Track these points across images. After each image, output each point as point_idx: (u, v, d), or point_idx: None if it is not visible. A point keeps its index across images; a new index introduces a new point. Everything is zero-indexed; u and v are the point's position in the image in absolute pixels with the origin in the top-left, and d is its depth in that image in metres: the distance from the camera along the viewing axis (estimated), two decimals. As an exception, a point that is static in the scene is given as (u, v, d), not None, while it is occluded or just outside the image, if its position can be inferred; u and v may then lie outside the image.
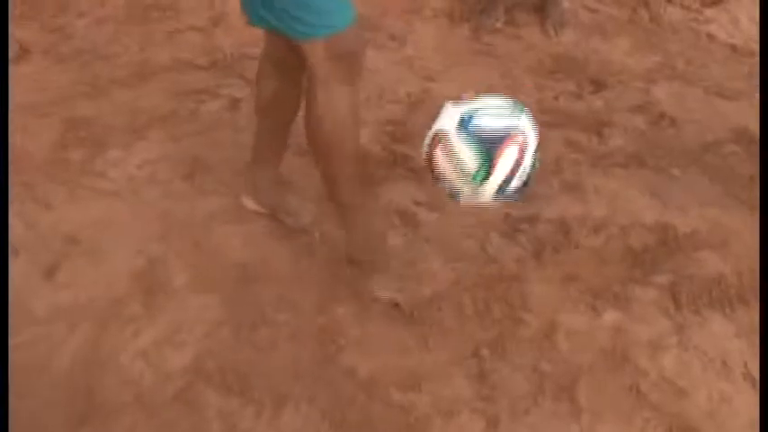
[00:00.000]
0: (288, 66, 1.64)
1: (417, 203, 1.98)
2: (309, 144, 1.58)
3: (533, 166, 1.46)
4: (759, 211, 1.81)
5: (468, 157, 1.39)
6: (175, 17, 2.67)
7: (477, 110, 1.42)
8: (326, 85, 1.45)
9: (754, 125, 2.38)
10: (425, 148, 1.46)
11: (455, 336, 1.67)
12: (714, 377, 1.62)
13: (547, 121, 2.34)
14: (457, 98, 2.37)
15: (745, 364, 1.65)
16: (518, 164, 1.41)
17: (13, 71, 2.34)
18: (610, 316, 1.74)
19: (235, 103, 2.30)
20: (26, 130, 2.12)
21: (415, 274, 1.79)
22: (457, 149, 1.39)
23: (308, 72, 1.47)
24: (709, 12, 3.00)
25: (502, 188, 1.44)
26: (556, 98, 2.48)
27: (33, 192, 1.92)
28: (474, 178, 1.40)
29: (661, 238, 1.95)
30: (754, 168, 2.21)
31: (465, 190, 1.43)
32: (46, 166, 2.01)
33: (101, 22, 2.64)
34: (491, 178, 1.41)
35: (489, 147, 1.39)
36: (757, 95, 2.51)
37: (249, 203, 1.91)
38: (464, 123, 1.40)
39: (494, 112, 1.43)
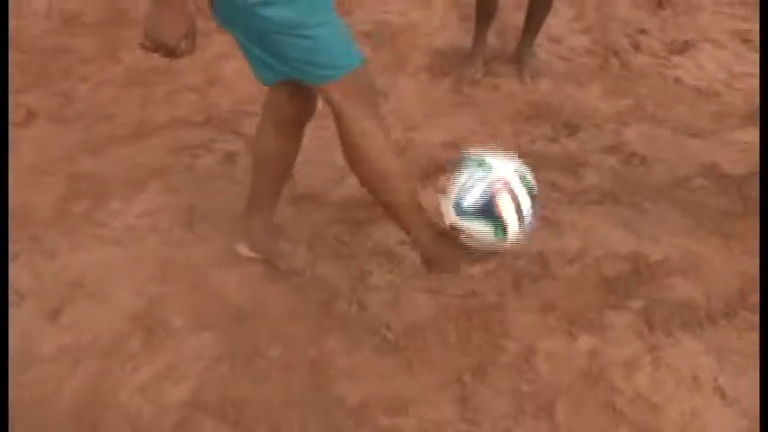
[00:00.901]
0: (287, 122, 1.78)
1: (401, 243, 2.09)
2: (357, 171, 1.67)
3: (530, 189, 1.63)
4: (759, 212, 1.92)
5: (482, 229, 1.61)
6: (172, 79, 2.85)
7: (460, 194, 1.61)
8: (355, 119, 1.57)
9: (722, 160, 2.54)
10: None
11: (439, 363, 1.77)
12: (686, 393, 1.71)
13: (528, 162, 2.49)
14: (438, 145, 2.54)
15: (715, 380, 1.74)
16: (517, 201, 1.60)
17: (20, 134, 2.51)
18: (585, 340, 1.84)
19: (229, 157, 2.44)
20: (33, 186, 2.27)
21: (400, 306, 1.90)
22: (471, 230, 1.62)
23: (335, 111, 1.58)
24: (675, 58, 3.20)
25: (522, 224, 1.62)
26: (533, 142, 2.63)
27: (39, 244, 2.04)
28: (499, 237, 1.60)
29: (634, 267, 2.07)
30: (722, 201, 2.36)
31: (502, 246, 1.65)
32: (51, 219, 2.14)
33: (101, 85, 2.82)
34: (509, 228, 1.60)
35: (489, 211, 1.58)
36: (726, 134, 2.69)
37: (244, 251, 2.03)
38: (460, 210, 1.61)
39: (472, 185, 1.61)
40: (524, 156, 2.47)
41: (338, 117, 1.59)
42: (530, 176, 1.66)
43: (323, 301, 1.92)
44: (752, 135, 2.62)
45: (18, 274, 1.93)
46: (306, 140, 1.89)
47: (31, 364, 1.71)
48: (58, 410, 1.62)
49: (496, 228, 1.60)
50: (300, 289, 1.96)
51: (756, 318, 1.90)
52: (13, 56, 2.95)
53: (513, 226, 1.60)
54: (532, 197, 1.63)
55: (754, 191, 2.34)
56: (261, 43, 1.52)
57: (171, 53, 1.47)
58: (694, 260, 2.10)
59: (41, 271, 1.96)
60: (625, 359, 1.79)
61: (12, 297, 1.88)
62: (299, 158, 1.96)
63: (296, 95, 1.72)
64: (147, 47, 1.48)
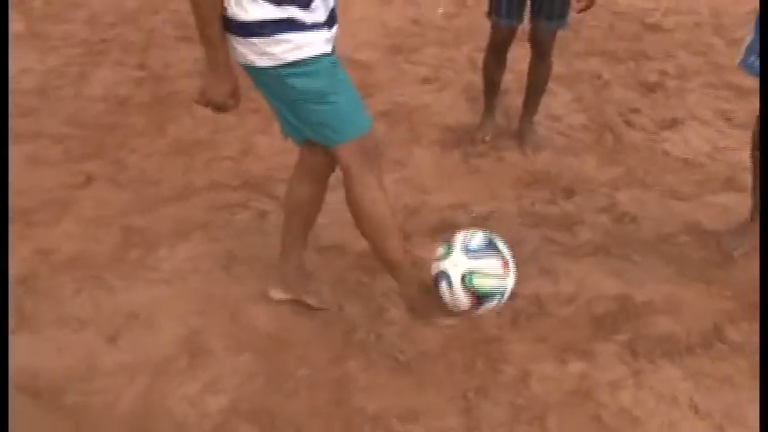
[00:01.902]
0: (318, 171, 2.14)
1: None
2: (358, 224, 2.01)
3: (497, 293, 2.02)
4: (759, 214, 2.17)
5: (479, 240, 2.03)
6: (212, 150, 3.25)
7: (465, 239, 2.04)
8: (360, 175, 1.91)
9: (704, 219, 2.84)
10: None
11: (446, 382, 2.04)
12: (665, 408, 1.96)
13: (526, 222, 2.83)
14: (447, 207, 2.86)
15: (691, 399, 1.99)
16: (494, 275, 2.00)
17: (80, 193, 2.89)
18: (576, 366, 2.10)
19: (263, 215, 2.79)
20: (92, 237, 2.62)
21: (412, 336, 2.18)
22: (476, 235, 2.05)
23: (343, 168, 1.93)
24: (664, 133, 3.56)
25: (473, 274, 1.97)
26: (533, 204, 2.96)
27: (99, 282, 2.37)
28: (468, 251, 2.01)
29: (621, 306, 2.35)
30: (703, 253, 2.65)
31: (455, 253, 2.01)
32: (109, 263, 2.47)
33: (150, 155, 3.22)
34: (475, 261, 2.00)
35: (492, 247, 2.03)
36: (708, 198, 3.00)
37: (277, 294, 2.33)
38: (491, 233, 2.07)
39: (508, 248, 2.08)
40: (525, 215, 2.85)
41: (346, 174, 1.94)
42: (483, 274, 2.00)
43: (344, 332, 2.21)
44: (731, 199, 2.93)
45: (81, 306, 2.25)
46: (329, 204, 2.23)
47: (94, 377, 2.00)
48: (117, 415, 1.90)
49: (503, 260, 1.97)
50: (325, 322, 2.25)
51: (728, 347, 2.15)
52: (74, 131, 3.40)
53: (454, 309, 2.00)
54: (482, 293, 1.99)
55: (731, 246, 2.63)
56: (288, 107, 1.90)
57: (220, 108, 1.85)
58: (676, 302, 2.37)
59: (101, 303, 2.27)
60: (611, 381, 2.04)
61: (72, 324, 2.19)
62: (325, 219, 2.31)
63: (322, 150, 2.07)
64: (201, 103, 1.87)
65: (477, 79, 3.61)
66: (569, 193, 3.03)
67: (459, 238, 2.03)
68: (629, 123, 3.69)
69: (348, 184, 1.94)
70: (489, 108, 3.52)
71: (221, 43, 1.79)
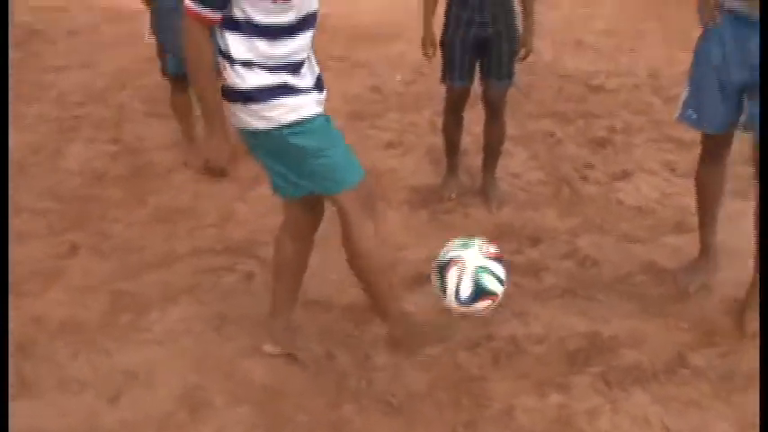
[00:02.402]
0: (301, 229, 2.32)
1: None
2: (355, 266, 2.18)
3: (477, 281, 2.14)
4: (759, 213, 2.38)
5: (467, 288, 2.17)
6: (193, 218, 3.40)
7: (491, 262, 2.23)
8: (358, 221, 2.09)
9: (659, 259, 3.09)
10: (447, 256, 2.25)
11: (436, 420, 2.19)
12: (638, 429, 2.13)
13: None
14: (424, 260, 3.04)
15: (662, 420, 2.18)
16: (485, 308, 2.17)
17: (66, 263, 3.00)
18: (555, 397, 2.28)
19: (249, 276, 2.93)
20: (81, 304, 2.72)
21: (401, 380, 2.33)
22: (465, 281, 2.18)
23: (342, 215, 2.10)
24: (617, 184, 3.86)
25: (457, 296, 2.11)
26: (507, 258, 3.16)
27: (94, 345, 2.47)
28: (460, 300, 2.18)
29: (590, 342, 2.55)
30: (660, 290, 2.88)
31: (449, 299, 2.20)
32: (101, 328, 2.58)
33: (132, 225, 3.35)
34: (468, 307, 2.18)
35: (482, 293, 2.17)
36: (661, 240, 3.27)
37: (269, 348, 2.46)
38: (480, 269, 2.19)
39: (498, 270, 2.23)
40: (494, 264, 3.04)
41: (344, 219, 2.12)
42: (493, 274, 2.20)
43: (337, 380, 2.35)
44: (681, 240, 3.19)
45: (79, 369, 2.34)
46: (311, 261, 2.41)
47: (98, 434, 2.09)
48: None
49: (439, 286, 2.20)
50: (317, 372, 2.39)
51: (690, 372, 2.37)
52: (54, 205, 3.52)
53: (450, 292, 2.17)
54: (475, 287, 2.17)
55: (685, 282, 2.88)
56: (288, 165, 2.09)
57: (221, 173, 2.03)
58: (639, 335, 2.59)
59: (99, 365, 2.37)
60: (588, 409, 2.23)
61: (72, 386, 2.28)
62: (307, 274, 2.47)
63: (308, 208, 2.26)
64: (202, 170, 2.04)
65: (439, 141, 3.88)
66: (534, 242, 3.26)
67: (478, 240, 2.26)
68: (583, 177, 3.98)
69: (347, 230, 2.12)
70: (452, 168, 3.78)
71: (219, 111, 1.99)
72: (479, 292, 2.18)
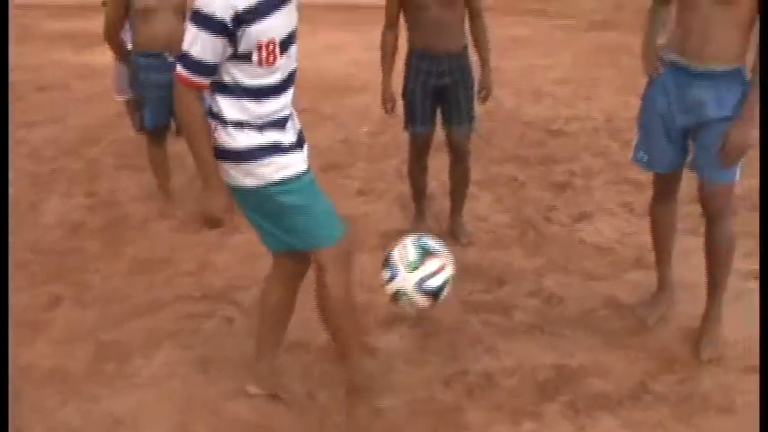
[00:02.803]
0: (291, 278, 2.45)
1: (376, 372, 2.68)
2: (325, 315, 2.32)
3: (446, 282, 2.38)
4: (759, 213, 2.52)
5: (413, 253, 2.36)
6: (171, 267, 3.51)
7: (426, 236, 2.47)
8: (333, 274, 2.24)
9: (619, 294, 3.29)
10: (387, 250, 2.40)
11: (417, 450, 2.31)
12: (607, 452, 2.29)
13: (466, 309, 3.19)
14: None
15: (630, 442, 2.33)
16: (438, 271, 2.37)
17: (49, 315, 3.08)
18: (527, 425, 2.43)
19: (228, 321, 3.05)
20: (66, 354, 2.80)
21: (381, 413, 2.46)
22: (408, 248, 2.39)
23: (318, 268, 2.25)
24: (578, 225, 4.08)
25: (423, 281, 2.34)
26: (470, 294, 3.34)
27: (82, 393, 2.55)
28: (409, 265, 2.34)
29: (558, 373, 2.71)
30: (623, 323, 3.07)
31: (401, 272, 2.36)
32: (88, 376, 2.66)
33: (111, 276, 3.45)
34: (419, 270, 2.36)
35: (426, 252, 2.36)
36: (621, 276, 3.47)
37: (253, 389, 2.58)
38: (418, 239, 2.42)
39: (436, 241, 2.44)
40: (464, 304, 3.22)
41: (319, 272, 2.27)
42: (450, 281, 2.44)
43: (320, 417, 2.46)
44: (640, 276, 3.40)
45: (68, 416, 2.42)
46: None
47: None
48: None
49: (416, 260, 2.39)
50: (300, 410, 2.50)
51: (653, 398, 2.54)
52: (34, 257, 3.60)
53: (422, 272, 2.39)
54: (441, 286, 2.41)
55: (644, 315, 3.07)
56: (273, 220, 2.24)
57: (217, 223, 2.18)
58: (604, 365, 2.76)
59: (88, 412, 2.45)
60: (559, 435, 2.37)
61: (64, 434, 2.36)
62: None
63: (296, 258, 2.40)
64: (200, 222, 2.18)
65: (407, 188, 4.08)
66: (501, 282, 3.44)
67: (397, 256, 2.42)
68: (547, 219, 4.20)
69: (320, 282, 2.27)
70: (420, 212, 3.97)
71: (215, 167, 2.14)
72: (425, 253, 2.40)
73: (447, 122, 3.68)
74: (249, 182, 2.15)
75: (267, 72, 2.10)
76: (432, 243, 2.46)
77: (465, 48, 3.61)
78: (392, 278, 2.40)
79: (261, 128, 2.13)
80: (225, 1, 1.96)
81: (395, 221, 4.18)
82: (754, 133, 2.61)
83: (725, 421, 2.46)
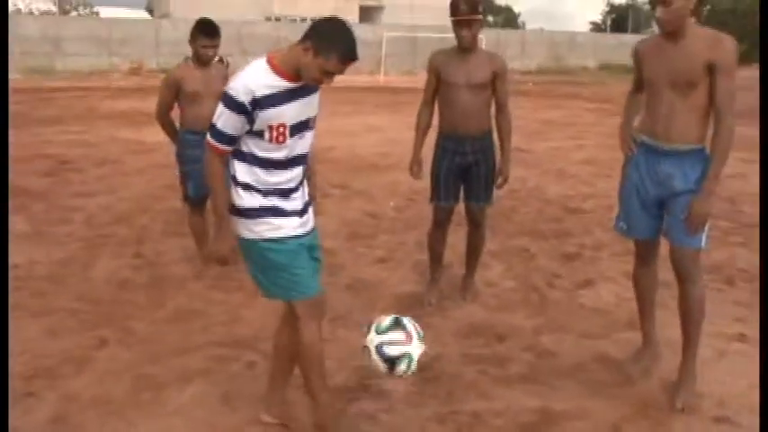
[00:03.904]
0: (295, 320, 2.90)
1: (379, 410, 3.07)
2: (300, 361, 2.79)
3: (404, 355, 2.76)
4: (759, 214, 2.82)
5: (387, 321, 2.84)
6: (205, 319, 3.99)
7: (410, 318, 2.91)
8: (306, 323, 2.71)
9: (612, 352, 3.63)
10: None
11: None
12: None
13: (465, 361, 3.57)
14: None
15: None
16: (400, 342, 2.77)
17: (95, 354, 3.55)
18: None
19: (251, 365, 3.48)
20: (109, 384, 3.25)
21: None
22: (387, 318, 2.86)
23: (297, 317, 2.72)
24: (580, 291, 4.47)
25: (383, 344, 2.76)
26: (471, 347, 3.72)
27: (120, 416, 2.99)
28: (378, 328, 2.80)
29: (542, 416, 3.05)
30: (610, 376, 3.40)
31: (371, 332, 2.81)
32: (126, 403, 3.10)
33: (153, 323, 3.93)
34: (384, 335, 2.78)
35: (397, 324, 2.81)
36: (614, 336, 3.81)
37: (266, 418, 2.99)
38: (400, 316, 2.88)
39: (413, 324, 2.88)
40: (465, 356, 3.60)
41: (297, 321, 2.73)
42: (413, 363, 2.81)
43: (323, 443, 2.85)
44: (632, 335, 3.74)
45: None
46: None
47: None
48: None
49: (387, 326, 2.82)
50: (308, 437, 2.89)
51: (622, 436, 2.86)
52: (84, 306, 4.12)
53: (384, 338, 2.80)
54: (397, 360, 2.78)
55: (630, 369, 3.41)
56: (261, 271, 2.72)
57: (224, 261, 2.66)
58: (585, 411, 3.10)
59: None
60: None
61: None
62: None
63: None
64: (212, 257, 2.69)
65: (424, 258, 4.53)
66: (501, 338, 3.82)
67: (375, 322, 2.86)
68: (551, 285, 4.59)
69: (300, 328, 2.74)
70: (434, 277, 4.41)
71: (226, 217, 2.65)
72: (396, 324, 2.83)
73: (467, 199, 4.17)
74: (247, 235, 2.66)
75: (276, 148, 2.62)
76: (407, 322, 2.85)
77: (489, 131, 4.11)
78: (365, 334, 2.85)
79: (265, 193, 2.64)
80: (246, 88, 2.51)
81: (410, 286, 4.61)
82: (714, 204, 3.01)
83: (687, 460, 2.77)
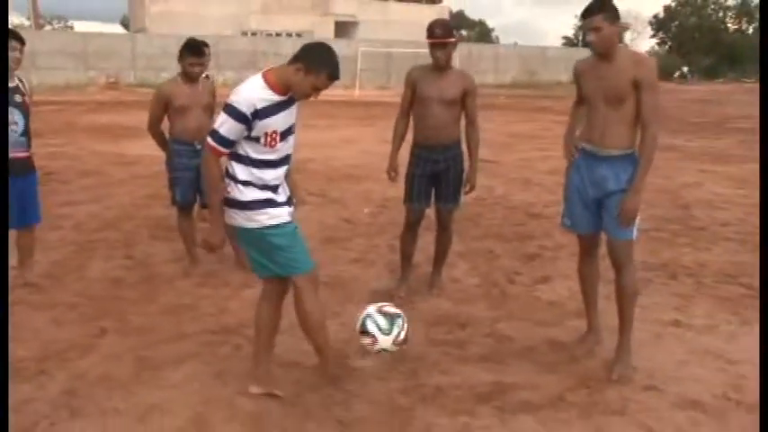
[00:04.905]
0: (275, 297, 3.37)
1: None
2: (304, 324, 3.27)
3: (406, 330, 3.34)
4: (759, 215, 3.35)
5: (382, 321, 3.56)
6: (195, 311, 4.43)
7: (383, 304, 3.58)
8: (308, 294, 3.20)
9: (561, 336, 4.12)
10: (358, 319, 3.58)
11: (376, 432, 3.13)
12: (519, 436, 3.09)
13: (430, 343, 4.04)
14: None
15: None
16: (404, 326, 3.48)
17: (98, 341, 3.96)
18: (462, 419, 3.24)
19: (239, 347, 3.92)
20: (113, 365, 3.67)
21: (350, 410, 3.29)
22: (377, 318, 3.56)
23: (297, 289, 3.21)
24: (538, 286, 4.98)
25: (397, 337, 3.45)
26: (435, 335, 4.19)
27: (125, 389, 3.42)
28: (383, 331, 3.49)
29: (495, 388, 3.53)
30: (559, 356, 3.89)
31: (380, 337, 3.49)
32: (129, 379, 3.52)
33: (147, 315, 4.35)
34: (392, 333, 3.49)
35: (391, 317, 3.54)
36: (565, 323, 4.30)
37: (254, 389, 3.43)
38: (379, 308, 3.57)
39: (390, 306, 3.58)
40: (430, 340, 4.07)
41: (297, 293, 3.23)
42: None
43: (304, 409, 3.29)
44: (580, 323, 4.23)
45: (115, 402, 3.27)
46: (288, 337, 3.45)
47: (134, 440, 3.01)
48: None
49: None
50: (291, 404, 3.33)
51: (566, 404, 3.34)
52: (83, 301, 4.53)
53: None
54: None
55: (575, 349, 3.90)
56: (264, 254, 3.19)
57: (213, 249, 3.16)
58: (533, 383, 3.59)
59: (129, 400, 3.31)
60: (483, 425, 3.18)
61: (110, 412, 3.21)
62: (289, 340, 3.48)
63: (278, 281, 3.32)
64: (204, 246, 3.18)
65: (396, 259, 5.01)
66: (463, 326, 4.31)
67: (371, 326, 3.52)
68: (511, 281, 5.10)
69: (299, 299, 3.23)
70: (405, 274, 4.89)
71: (220, 210, 3.13)
72: (391, 319, 3.53)
73: (437, 201, 4.66)
74: (250, 225, 3.13)
75: (270, 151, 3.11)
76: (389, 308, 3.56)
77: (458, 141, 4.62)
78: (374, 343, 3.47)
79: (261, 188, 3.12)
80: (249, 101, 3.00)
81: (381, 282, 5.08)
82: (640, 200, 3.53)
83: (616, 420, 3.26)
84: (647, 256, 5.64)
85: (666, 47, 62.60)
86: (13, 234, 4.57)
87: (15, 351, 3.77)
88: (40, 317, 4.26)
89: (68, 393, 3.38)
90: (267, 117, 3.04)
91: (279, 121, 3.10)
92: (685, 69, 55.58)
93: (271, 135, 3.09)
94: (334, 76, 3.06)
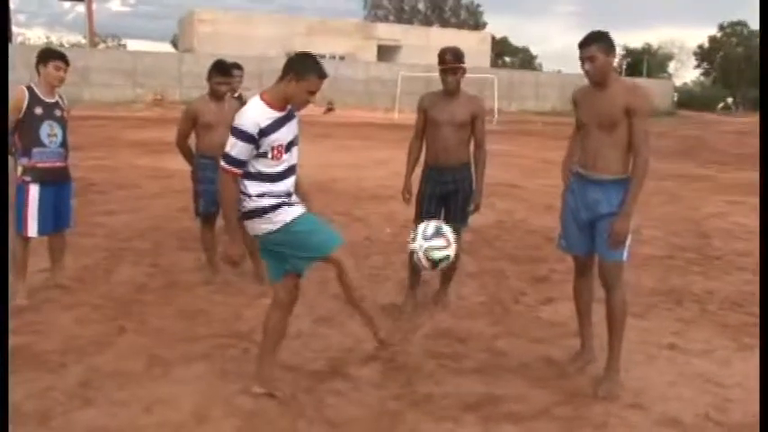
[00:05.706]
0: (284, 303, 3.60)
1: (347, 389, 3.73)
2: (348, 295, 3.50)
3: (445, 258, 3.90)
4: (759, 215, 3.49)
5: (431, 228, 4.11)
6: (209, 316, 4.69)
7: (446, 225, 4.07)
8: (347, 263, 3.42)
9: (556, 354, 4.27)
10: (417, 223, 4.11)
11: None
12: (499, 443, 3.26)
13: (427, 355, 4.22)
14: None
15: (517, 438, 3.29)
16: (441, 248, 4.00)
17: (116, 339, 4.25)
18: (447, 425, 3.42)
19: (246, 351, 4.17)
20: (129, 361, 3.95)
21: (341, 412, 3.50)
22: (430, 225, 4.14)
23: (335, 263, 3.41)
24: (541, 307, 5.13)
25: (429, 250, 3.94)
26: (435, 347, 4.38)
27: (136, 383, 3.68)
28: (423, 236, 4.03)
29: (484, 398, 3.70)
30: (551, 371, 4.04)
31: (418, 239, 4.04)
32: (142, 374, 3.79)
33: (164, 317, 4.64)
34: (429, 241, 4.03)
35: (439, 233, 4.10)
36: (562, 342, 4.45)
37: (257, 389, 3.67)
38: (440, 223, 4.10)
39: (451, 232, 4.08)
40: (428, 352, 4.25)
41: (339, 266, 3.44)
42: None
43: (300, 408, 3.51)
44: (576, 343, 4.36)
45: (124, 395, 3.54)
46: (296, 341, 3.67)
47: (141, 429, 3.26)
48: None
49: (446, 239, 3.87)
50: (288, 403, 3.55)
51: (548, 417, 3.50)
52: (106, 303, 4.84)
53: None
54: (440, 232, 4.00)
55: (569, 366, 4.05)
56: (293, 246, 3.43)
57: (235, 263, 3.39)
58: (521, 397, 3.75)
59: (138, 392, 3.57)
60: None
61: (118, 403, 3.47)
62: (292, 345, 3.71)
63: (288, 289, 3.56)
64: (224, 260, 3.41)
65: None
66: (462, 340, 4.48)
67: (420, 228, 3.94)
68: (516, 301, 5.26)
69: (343, 272, 3.44)
70: (412, 291, 5.08)
71: (237, 227, 3.39)
72: (438, 233, 3.97)
73: (447, 220, 4.87)
74: (274, 227, 3.39)
75: (277, 163, 3.38)
76: (447, 230, 4.01)
77: (467, 164, 4.87)
78: (411, 240, 3.87)
79: (274, 196, 3.39)
80: (253, 122, 3.28)
81: (391, 297, 5.29)
82: (631, 224, 3.69)
83: (596, 433, 3.41)
84: (656, 283, 5.75)
85: (711, 78, 61.99)
86: (45, 239, 4.92)
87: (41, 344, 4.10)
88: (66, 315, 4.58)
89: (83, 385, 3.66)
90: (272, 133, 3.32)
91: (282, 135, 3.37)
92: (730, 100, 54.83)
93: (276, 148, 3.37)
94: (322, 75, 3.36)
